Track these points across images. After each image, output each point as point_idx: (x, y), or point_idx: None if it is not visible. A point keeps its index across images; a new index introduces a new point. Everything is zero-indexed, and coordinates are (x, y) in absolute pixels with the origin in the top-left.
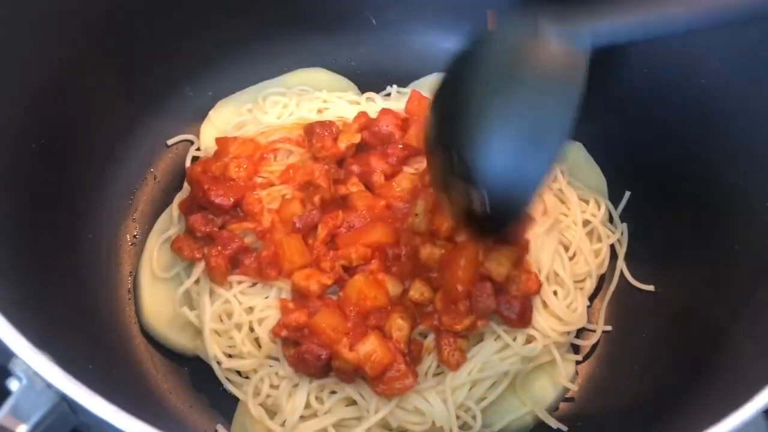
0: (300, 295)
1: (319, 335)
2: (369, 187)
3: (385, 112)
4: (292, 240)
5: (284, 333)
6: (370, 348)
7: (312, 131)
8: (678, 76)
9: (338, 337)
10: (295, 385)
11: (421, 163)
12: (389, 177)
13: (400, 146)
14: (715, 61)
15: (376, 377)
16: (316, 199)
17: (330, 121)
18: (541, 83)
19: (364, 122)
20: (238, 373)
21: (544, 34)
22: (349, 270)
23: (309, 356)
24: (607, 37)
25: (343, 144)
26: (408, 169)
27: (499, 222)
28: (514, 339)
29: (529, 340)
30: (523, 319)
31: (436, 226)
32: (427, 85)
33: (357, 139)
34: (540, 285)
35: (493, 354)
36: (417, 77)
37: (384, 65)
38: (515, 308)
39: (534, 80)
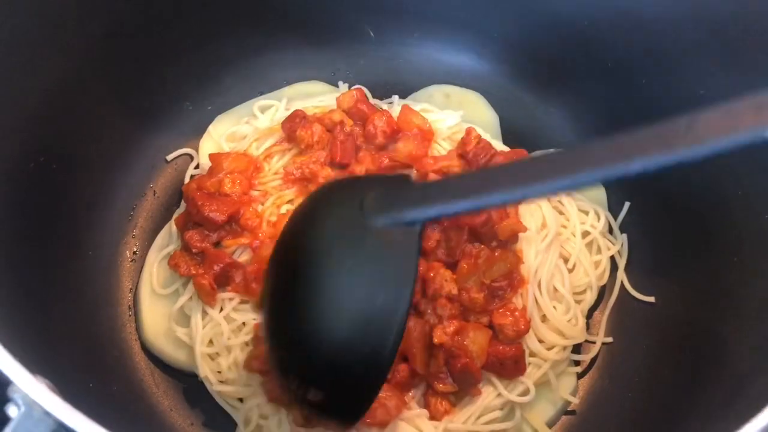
0: None
1: None
2: None
3: (384, 113)
4: None
5: (256, 366)
6: None
7: (286, 126)
8: (676, 87)
9: None
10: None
11: None
12: None
13: (386, 161)
14: (714, 70)
15: None
16: None
17: (295, 111)
18: (373, 273)
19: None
20: None
21: (372, 220)
22: None
23: None
24: (436, 215)
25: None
26: None
27: (344, 408)
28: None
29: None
30: (517, 367)
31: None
32: (426, 96)
33: (338, 117)
34: (529, 324)
35: (493, 399)
36: (415, 89)
37: (383, 78)
38: (507, 361)
39: (364, 269)
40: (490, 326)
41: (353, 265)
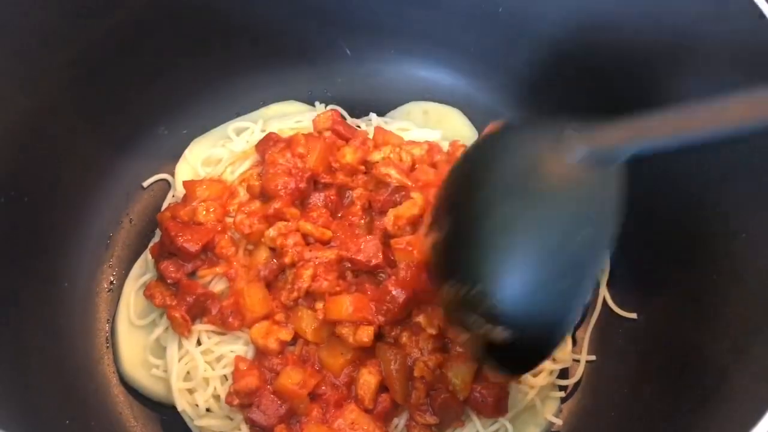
0: (260, 352)
1: (283, 395)
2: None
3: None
4: (253, 289)
5: (236, 402)
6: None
7: (260, 149)
8: (655, 100)
9: (304, 393)
10: None
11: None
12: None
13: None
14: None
15: None
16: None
17: (269, 134)
18: (570, 203)
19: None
20: None
21: (572, 150)
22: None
23: (267, 412)
24: (639, 151)
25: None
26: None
27: (525, 357)
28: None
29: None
30: (498, 407)
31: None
32: (404, 113)
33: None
34: None
35: None
36: (393, 106)
37: (360, 95)
38: (488, 399)
39: (562, 199)
40: None
41: (553, 197)
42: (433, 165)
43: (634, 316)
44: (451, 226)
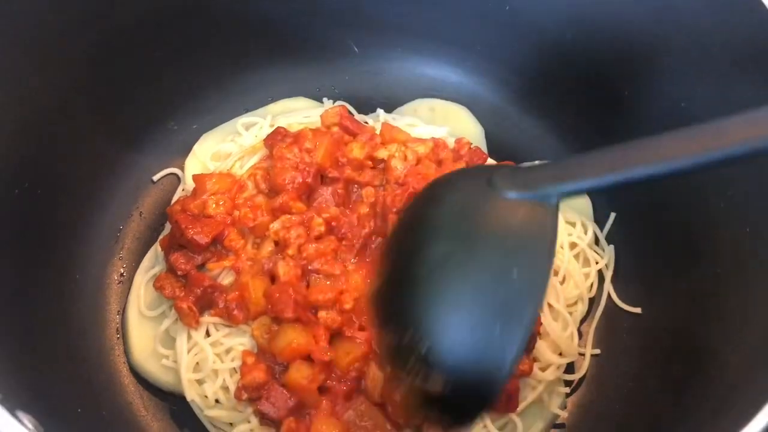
0: (262, 349)
1: (292, 389)
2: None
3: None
4: (257, 282)
5: (245, 396)
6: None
7: (268, 143)
8: (658, 99)
9: (314, 387)
10: None
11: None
12: None
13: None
14: (696, 82)
15: None
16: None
17: (277, 128)
18: (501, 244)
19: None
20: None
21: (504, 194)
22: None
23: (276, 404)
24: (574, 192)
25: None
26: None
27: (464, 409)
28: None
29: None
30: (509, 404)
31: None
32: (411, 110)
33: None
34: (532, 366)
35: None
36: (400, 104)
37: (367, 92)
38: (500, 396)
39: (492, 240)
40: None
41: (483, 237)
42: (438, 162)
43: (638, 310)
44: (388, 272)
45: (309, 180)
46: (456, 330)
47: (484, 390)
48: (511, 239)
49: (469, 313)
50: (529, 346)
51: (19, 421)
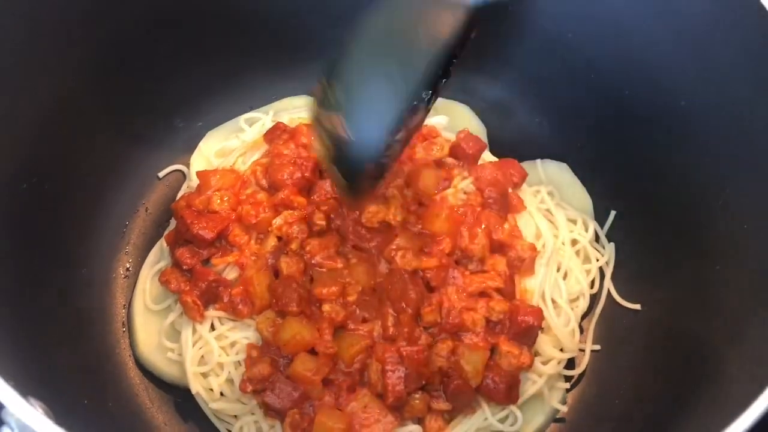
0: (266, 342)
1: (297, 381)
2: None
3: None
4: (261, 277)
5: (250, 389)
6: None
7: (268, 138)
8: (658, 98)
9: (318, 379)
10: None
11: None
12: None
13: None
14: (695, 81)
15: None
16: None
17: (277, 124)
18: (411, 34)
19: None
20: None
21: None
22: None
23: (281, 396)
24: None
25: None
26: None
27: (361, 168)
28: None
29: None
30: (510, 395)
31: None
32: None
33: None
34: (532, 360)
35: (483, 422)
36: None
37: None
38: (501, 386)
39: (404, 30)
40: (493, 349)
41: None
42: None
43: (638, 307)
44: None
45: (307, 174)
46: (356, 73)
47: (372, 148)
48: (416, 34)
49: (369, 76)
50: (530, 341)
51: (31, 405)
